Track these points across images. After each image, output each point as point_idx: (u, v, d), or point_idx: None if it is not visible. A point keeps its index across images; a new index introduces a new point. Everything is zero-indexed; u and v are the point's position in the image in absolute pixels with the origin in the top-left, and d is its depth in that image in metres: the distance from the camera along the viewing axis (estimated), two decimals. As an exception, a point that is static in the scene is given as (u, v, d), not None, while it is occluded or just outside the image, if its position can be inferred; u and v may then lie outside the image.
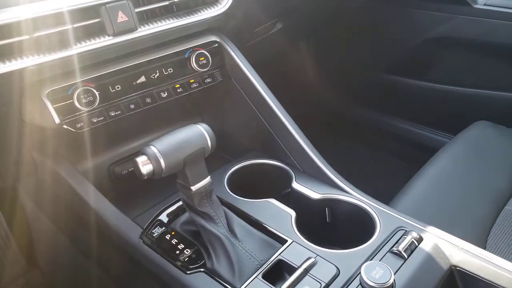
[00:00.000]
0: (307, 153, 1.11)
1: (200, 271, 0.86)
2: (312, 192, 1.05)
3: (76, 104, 0.96)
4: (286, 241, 0.91)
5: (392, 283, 0.78)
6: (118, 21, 0.98)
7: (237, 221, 0.94)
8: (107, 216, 0.98)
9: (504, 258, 0.86)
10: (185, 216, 0.99)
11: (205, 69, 1.16)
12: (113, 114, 1.03)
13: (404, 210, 1.03)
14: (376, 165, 2.18)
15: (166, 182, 0.93)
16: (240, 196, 1.05)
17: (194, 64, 1.14)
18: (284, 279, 0.82)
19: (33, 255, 1.38)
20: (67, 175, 1.01)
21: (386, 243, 0.90)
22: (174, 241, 0.93)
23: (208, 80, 1.19)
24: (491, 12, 1.71)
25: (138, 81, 1.06)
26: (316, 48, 2.38)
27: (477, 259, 0.86)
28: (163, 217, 1.01)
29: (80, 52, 0.94)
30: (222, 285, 0.83)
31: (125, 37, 1.00)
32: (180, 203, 1.00)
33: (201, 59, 1.15)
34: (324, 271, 0.84)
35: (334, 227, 1.06)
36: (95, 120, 1.00)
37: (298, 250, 0.89)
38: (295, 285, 0.80)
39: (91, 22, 0.96)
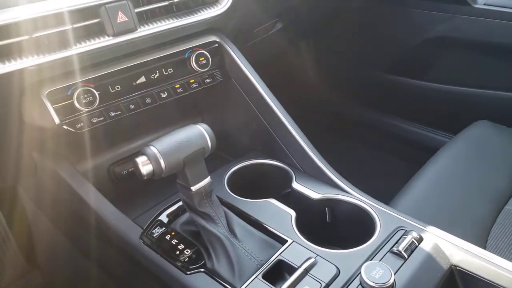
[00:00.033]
0: (307, 153, 1.11)
1: (200, 271, 0.86)
2: (312, 192, 1.05)
3: (76, 104, 0.96)
4: (286, 241, 0.91)
5: (392, 283, 0.78)
6: (118, 21, 0.97)
7: (237, 221, 0.94)
8: (107, 216, 0.98)
9: (504, 258, 0.86)
10: (185, 217, 0.99)
11: (205, 69, 1.16)
12: (113, 114, 1.03)
13: (404, 210, 1.03)
14: (376, 165, 2.18)
15: (166, 183, 0.93)
16: (240, 196, 1.05)
17: (194, 64, 1.14)
18: (284, 279, 0.82)
19: (33, 255, 1.38)
20: (67, 176, 1.01)
21: (386, 243, 0.90)
22: (174, 242, 0.93)
23: (208, 80, 1.19)
24: (491, 12, 1.71)
25: (138, 81, 1.06)
26: (316, 48, 2.37)
27: (477, 259, 0.86)
28: (163, 218, 1.00)
29: (80, 52, 0.94)
30: (222, 285, 0.83)
31: (125, 37, 1.00)
32: (180, 203, 1.00)
33: (201, 59, 1.15)
34: (324, 271, 0.83)
35: (334, 227, 1.06)
36: (95, 121, 1.00)
37: (298, 250, 0.89)
38: (295, 285, 0.80)
39: (90, 22, 0.96)
